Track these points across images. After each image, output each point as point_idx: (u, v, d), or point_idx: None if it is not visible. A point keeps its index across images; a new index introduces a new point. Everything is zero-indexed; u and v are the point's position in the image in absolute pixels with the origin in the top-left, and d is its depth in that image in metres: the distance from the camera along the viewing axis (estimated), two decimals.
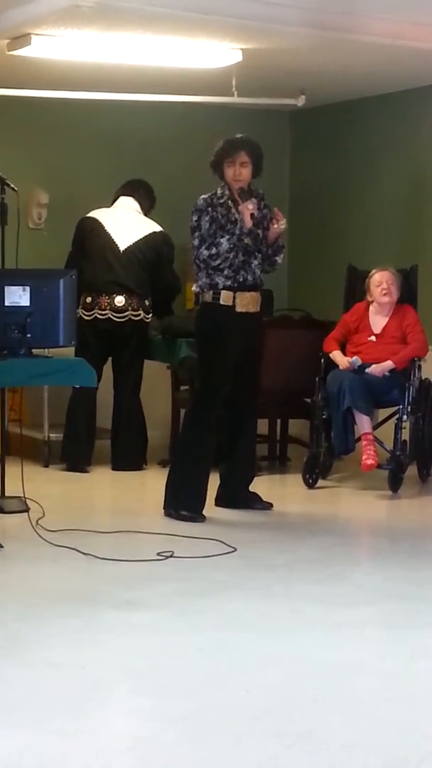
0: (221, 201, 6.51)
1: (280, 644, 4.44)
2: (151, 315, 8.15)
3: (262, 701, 3.83)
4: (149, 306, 8.14)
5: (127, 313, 8.02)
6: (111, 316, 7.99)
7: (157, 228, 8.16)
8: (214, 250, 6.44)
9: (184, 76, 8.00)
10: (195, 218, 6.51)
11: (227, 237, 6.44)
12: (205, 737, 3.52)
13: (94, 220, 8.13)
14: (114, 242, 8.07)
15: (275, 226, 6.56)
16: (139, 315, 8.06)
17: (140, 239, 8.10)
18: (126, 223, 8.13)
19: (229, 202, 6.52)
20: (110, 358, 8.18)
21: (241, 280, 6.51)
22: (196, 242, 6.49)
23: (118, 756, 3.40)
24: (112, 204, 8.25)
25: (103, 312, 7.99)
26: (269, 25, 6.88)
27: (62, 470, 8.14)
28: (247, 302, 6.55)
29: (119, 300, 8.00)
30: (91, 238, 8.09)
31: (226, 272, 6.48)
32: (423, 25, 6.96)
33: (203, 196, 6.54)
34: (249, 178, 6.53)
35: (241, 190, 6.49)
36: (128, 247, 8.07)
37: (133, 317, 8.04)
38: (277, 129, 9.56)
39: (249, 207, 6.44)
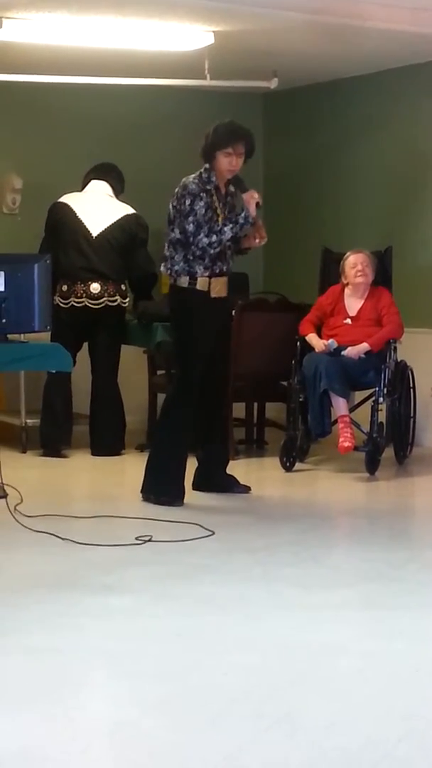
0: (207, 187, 6.46)
1: (258, 627, 4.45)
2: (128, 299, 8.13)
3: (241, 684, 3.83)
4: (125, 290, 8.12)
5: (103, 300, 8.00)
6: (87, 304, 7.96)
7: (130, 210, 8.13)
8: (214, 238, 6.39)
9: (156, 59, 7.97)
10: (188, 202, 6.39)
11: (230, 226, 6.41)
12: (184, 720, 3.52)
13: (65, 206, 8.08)
14: (86, 228, 8.02)
15: (256, 241, 6.56)
16: (115, 300, 8.04)
17: (113, 223, 8.06)
18: (98, 207, 8.09)
19: (213, 189, 6.48)
20: (87, 344, 8.16)
21: (217, 271, 6.50)
22: (191, 227, 6.37)
23: (97, 740, 3.40)
24: (82, 188, 8.21)
25: (80, 300, 7.96)
26: (241, 7, 6.86)
27: (40, 456, 8.12)
28: (220, 287, 6.55)
29: (95, 287, 7.97)
30: (62, 225, 8.05)
31: (205, 261, 6.46)
32: (393, 7, 6.96)
33: (191, 179, 6.44)
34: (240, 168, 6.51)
35: (237, 179, 6.47)
36: (101, 232, 8.04)
37: (109, 303, 8.02)
38: (251, 111, 9.51)
39: (254, 196, 6.41)
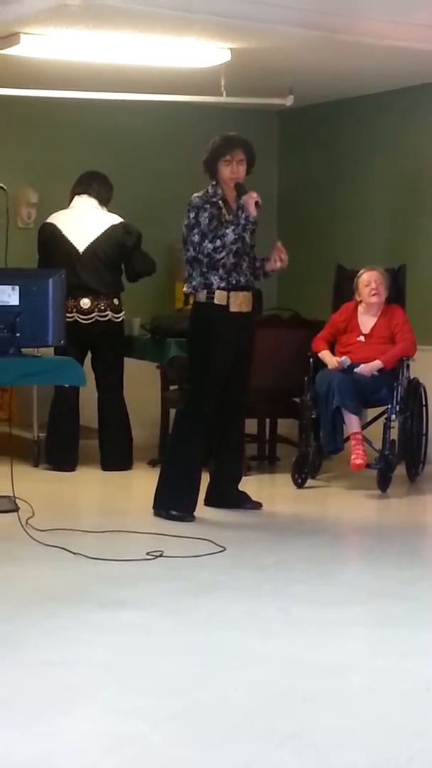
0: (214, 200, 6.50)
1: (268, 643, 4.44)
2: (121, 315, 8.11)
3: (251, 700, 3.83)
4: (118, 305, 8.11)
5: (93, 315, 8.00)
6: (78, 319, 7.94)
7: (116, 220, 8.09)
8: (218, 243, 6.41)
9: (172, 76, 8.00)
10: (192, 215, 6.47)
11: (232, 228, 6.43)
12: (194, 736, 3.52)
13: (52, 226, 8.10)
14: (73, 245, 8.01)
15: (277, 264, 6.58)
16: (106, 316, 8.04)
17: (99, 236, 8.03)
18: (83, 222, 8.05)
19: (220, 202, 6.50)
20: (90, 360, 8.16)
21: (234, 282, 6.51)
22: (196, 238, 6.44)
23: (107, 755, 3.40)
24: (69, 203, 8.20)
25: (70, 315, 7.93)
26: (258, 25, 6.88)
27: (52, 470, 8.13)
28: (240, 302, 6.55)
29: (85, 302, 7.97)
30: (51, 244, 8.06)
31: (220, 272, 6.47)
32: (409, 25, 6.97)
33: (197, 194, 6.51)
34: (243, 177, 6.53)
35: (237, 184, 6.49)
36: (88, 246, 8.01)
37: (99, 318, 8.01)
38: (266, 128, 9.56)
39: (253, 196, 6.43)
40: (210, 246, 6.42)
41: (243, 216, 6.45)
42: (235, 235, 6.44)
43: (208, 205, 6.46)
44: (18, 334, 5.56)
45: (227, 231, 6.43)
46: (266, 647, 4.40)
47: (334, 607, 4.93)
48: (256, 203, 6.44)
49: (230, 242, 6.44)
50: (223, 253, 6.43)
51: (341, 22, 6.89)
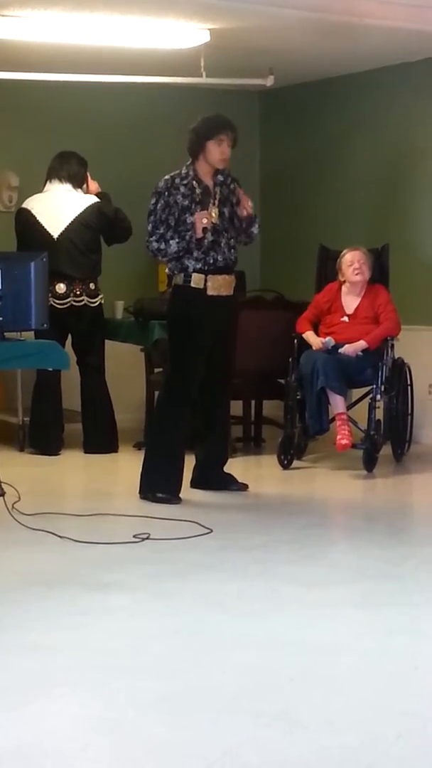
0: (185, 182, 6.46)
1: (256, 624, 4.44)
2: (97, 299, 8.08)
3: (239, 681, 3.83)
4: (95, 290, 8.08)
5: (68, 300, 7.97)
6: (53, 303, 7.88)
7: (90, 201, 8.06)
8: (163, 246, 6.42)
9: (152, 57, 7.96)
10: (153, 201, 6.46)
11: (177, 240, 6.39)
12: (183, 718, 3.52)
13: (26, 211, 8.05)
14: (47, 231, 7.96)
15: (244, 213, 6.53)
16: (81, 300, 8.01)
17: (73, 220, 7.98)
18: (56, 207, 8.00)
19: (194, 182, 6.47)
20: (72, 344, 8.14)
21: (211, 261, 6.47)
22: (149, 227, 6.44)
23: (96, 738, 3.39)
24: (43, 187, 8.15)
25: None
26: (237, 4, 6.85)
27: (37, 454, 8.11)
28: (218, 285, 6.52)
29: (60, 287, 7.94)
30: (26, 231, 8.03)
31: (195, 254, 6.44)
32: (389, 4, 6.95)
33: (166, 176, 6.49)
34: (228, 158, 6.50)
35: (216, 172, 6.46)
36: (62, 232, 7.96)
37: (75, 303, 7.98)
38: (247, 109, 9.53)
39: (203, 221, 6.39)
40: (155, 245, 6.41)
41: (190, 234, 6.41)
42: (179, 248, 6.40)
43: (167, 192, 6.42)
44: (0, 318, 5.54)
45: (171, 242, 6.39)
46: (254, 628, 4.40)
47: (321, 587, 4.94)
48: (204, 228, 6.39)
49: (173, 252, 6.41)
50: (166, 259, 6.45)
51: (322, 2, 6.87)
